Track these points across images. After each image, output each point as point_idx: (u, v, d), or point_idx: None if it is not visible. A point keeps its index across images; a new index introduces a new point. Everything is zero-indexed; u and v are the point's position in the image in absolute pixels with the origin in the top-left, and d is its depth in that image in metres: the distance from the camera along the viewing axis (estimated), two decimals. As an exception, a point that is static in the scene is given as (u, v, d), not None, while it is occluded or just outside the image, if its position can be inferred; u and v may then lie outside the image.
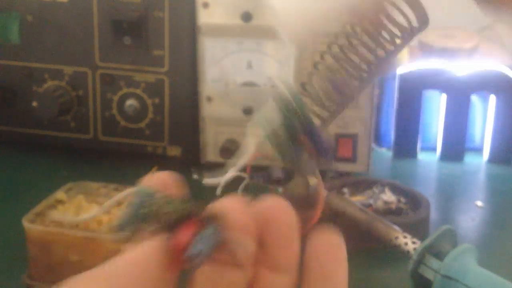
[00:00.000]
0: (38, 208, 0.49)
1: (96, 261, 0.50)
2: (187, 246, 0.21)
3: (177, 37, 0.67)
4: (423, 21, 0.57)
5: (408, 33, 0.58)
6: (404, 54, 0.74)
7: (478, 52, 0.75)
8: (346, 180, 0.64)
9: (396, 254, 0.46)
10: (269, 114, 0.22)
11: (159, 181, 0.24)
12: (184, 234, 0.21)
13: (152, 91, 0.69)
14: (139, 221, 0.22)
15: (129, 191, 0.23)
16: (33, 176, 0.70)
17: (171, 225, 0.22)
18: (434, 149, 0.77)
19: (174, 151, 0.70)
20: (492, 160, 0.76)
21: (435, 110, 0.76)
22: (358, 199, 0.60)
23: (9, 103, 0.72)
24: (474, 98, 0.76)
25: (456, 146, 0.76)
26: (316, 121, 0.60)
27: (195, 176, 0.65)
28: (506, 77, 0.73)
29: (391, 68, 0.73)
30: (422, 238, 0.44)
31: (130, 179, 0.60)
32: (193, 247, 0.21)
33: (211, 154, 0.70)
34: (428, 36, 0.75)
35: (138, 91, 0.69)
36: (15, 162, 0.73)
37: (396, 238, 0.46)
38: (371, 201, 0.59)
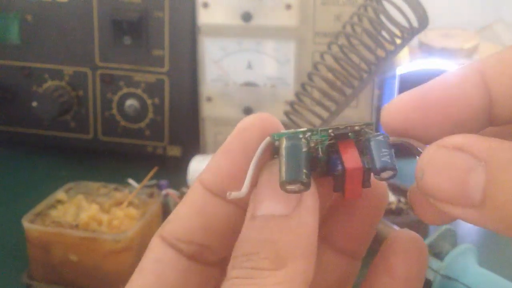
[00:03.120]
0: (38, 208, 0.49)
1: (96, 261, 0.51)
2: (361, 163, 0.20)
3: (177, 37, 0.67)
4: (423, 21, 0.57)
5: (408, 33, 0.58)
6: (404, 54, 0.74)
7: (478, 52, 0.75)
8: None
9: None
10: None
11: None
12: (351, 152, 0.20)
13: (152, 91, 0.69)
14: (307, 164, 0.20)
15: (265, 141, 0.21)
16: (33, 176, 0.70)
17: (333, 153, 0.21)
18: (434, 149, 0.77)
19: (174, 151, 0.70)
20: (492, 160, 0.76)
21: (435, 110, 0.76)
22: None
23: (9, 103, 0.72)
24: (474, 98, 0.76)
25: (456, 146, 0.76)
26: (316, 121, 0.60)
27: (195, 176, 0.65)
28: (506, 77, 0.73)
29: (391, 68, 0.73)
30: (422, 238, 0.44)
31: (130, 179, 0.60)
32: (376, 157, 0.20)
33: (211, 154, 0.70)
34: (428, 36, 0.75)
35: (138, 91, 0.69)
36: (15, 162, 0.73)
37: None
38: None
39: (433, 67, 0.74)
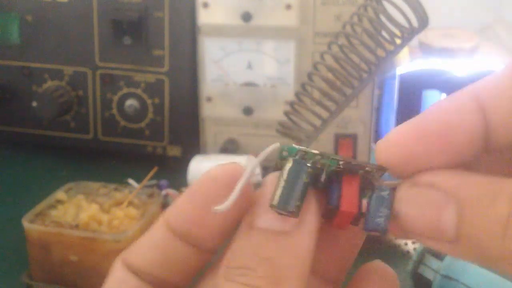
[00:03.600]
0: (38, 208, 0.49)
1: (96, 261, 0.51)
2: (358, 207, 0.20)
3: (177, 37, 0.67)
4: (423, 21, 0.57)
5: (408, 33, 0.58)
6: (404, 54, 0.74)
7: (478, 52, 0.75)
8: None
9: (396, 254, 0.46)
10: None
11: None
12: (351, 193, 0.20)
13: (152, 91, 0.69)
14: (302, 196, 0.20)
15: (273, 146, 0.20)
16: (33, 176, 0.70)
17: (336, 182, 0.21)
18: (434, 149, 0.77)
19: (174, 151, 0.70)
20: (492, 160, 0.76)
21: (435, 110, 0.76)
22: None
23: (9, 103, 0.72)
24: (474, 98, 0.76)
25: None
26: (317, 121, 0.60)
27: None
28: (506, 77, 0.73)
29: (391, 68, 0.73)
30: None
31: (130, 179, 0.60)
32: (372, 215, 0.20)
33: (211, 154, 0.70)
34: (428, 36, 0.75)
35: (138, 91, 0.69)
36: (15, 162, 0.73)
37: (396, 238, 0.46)
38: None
39: (433, 67, 0.74)
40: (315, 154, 0.21)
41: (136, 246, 0.22)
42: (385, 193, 0.20)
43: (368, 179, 0.21)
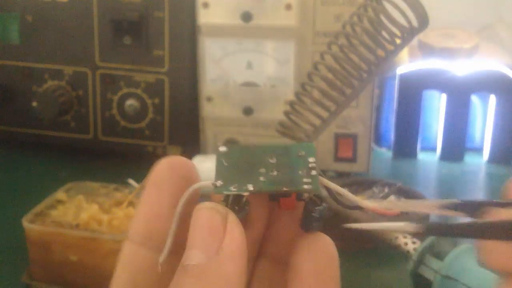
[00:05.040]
0: (38, 208, 0.49)
1: (96, 261, 0.51)
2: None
3: (177, 37, 0.67)
4: (423, 21, 0.57)
5: (408, 33, 0.58)
6: (404, 54, 0.74)
7: (478, 52, 0.75)
8: (346, 180, 0.64)
9: (396, 254, 0.46)
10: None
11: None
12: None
13: (152, 91, 0.69)
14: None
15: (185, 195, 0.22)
16: (33, 176, 0.70)
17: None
18: (434, 149, 0.77)
19: (174, 151, 0.70)
20: (492, 160, 0.76)
21: (435, 110, 0.76)
22: (358, 199, 0.60)
23: (9, 103, 0.72)
24: (474, 98, 0.76)
25: (456, 146, 0.76)
26: (317, 121, 0.60)
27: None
28: (506, 77, 0.73)
29: (391, 68, 0.73)
30: (422, 238, 0.44)
31: (130, 179, 0.60)
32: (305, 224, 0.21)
33: (211, 154, 0.70)
34: (428, 36, 0.75)
35: (138, 91, 0.69)
36: (15, 162, 0.73)
37: (396, 238, 0.46)
38: (371, 201, 0.59)
39: (433, 67, 0.74)
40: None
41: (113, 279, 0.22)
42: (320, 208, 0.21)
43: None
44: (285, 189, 0.21)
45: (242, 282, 0.19)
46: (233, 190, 0.21)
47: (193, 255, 0.19)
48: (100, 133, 0.71)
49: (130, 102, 0.69)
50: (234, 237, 0.19)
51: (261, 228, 0.23)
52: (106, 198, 0.52)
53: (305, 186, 0.21)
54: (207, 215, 0.20)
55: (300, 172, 0.21)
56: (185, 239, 0.20)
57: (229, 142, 0.69)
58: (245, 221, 0.21)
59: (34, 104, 0.68)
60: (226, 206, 0.21)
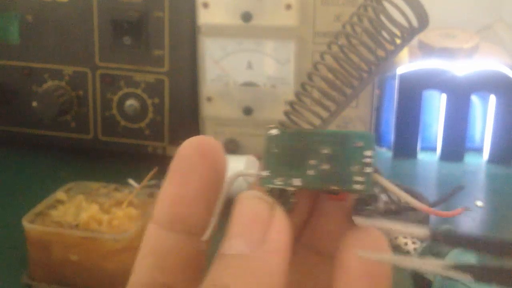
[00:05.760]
0: (38, 208, 0.49)
1: (96, 261, 0.51)
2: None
3: (177, 37, 0.67)
4: (423, 21, 0.57)
5: (408, 33, 0.58)
6: (404, 54, 0.74)
7: (478, 52, 0.75)
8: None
9: (396, 254, 0.46)
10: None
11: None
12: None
13: (152, 91, 0.69)
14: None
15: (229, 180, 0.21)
16: (33, 176, 0.70)
17: None
18: (434, 149, 0.77)
19: (174, 151, 0.69)
20: (492, 160, 0.76)
21: (435, 110, 0.76)
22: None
23: (9, 103, 0.72)
24: (474, 98, 0.76)
25: (456, 146, 0.76)
26: (317, 121, 0.60)
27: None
28: (506, 77, 0.73)
29: (391, 68, 0.73)
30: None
31: (130, 179, 0.60)
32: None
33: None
34: (428, 36, 0.75)
35: (138, 91, 0.69)
36: (15, 162, 0.73)
37: (396, 238, 0.46)
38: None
39: (433, 67, 0.74)
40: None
41: (134, 266, 0.21)
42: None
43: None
44: (333, 187, 0.19)
45: (284, 277, 0.18)
46: (278, 184, 0.19)
47: (235, 245, 0.18)
48: (100, 133, 0.71)
49: (130, 102, 0.69)
50: (280, 229, 0.18)
51: (303, 215, 0.22)
52: (106, 198, 0.52)
53: (356, 186, 0.19)
54: (252, 204, 0.19)
55: (353, 168, 0.20)
56: (205, 222, 0.20)
57: (229, 142, 0.69)
58: (289, 212, 0.20)
59: (34, 104, 0.68)
60: (272, 196, 0.19)
